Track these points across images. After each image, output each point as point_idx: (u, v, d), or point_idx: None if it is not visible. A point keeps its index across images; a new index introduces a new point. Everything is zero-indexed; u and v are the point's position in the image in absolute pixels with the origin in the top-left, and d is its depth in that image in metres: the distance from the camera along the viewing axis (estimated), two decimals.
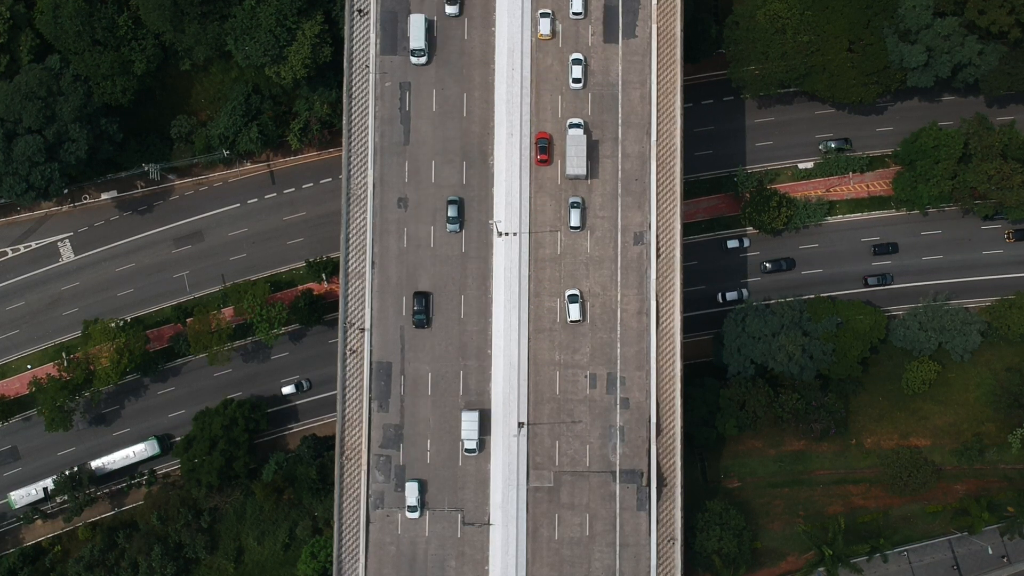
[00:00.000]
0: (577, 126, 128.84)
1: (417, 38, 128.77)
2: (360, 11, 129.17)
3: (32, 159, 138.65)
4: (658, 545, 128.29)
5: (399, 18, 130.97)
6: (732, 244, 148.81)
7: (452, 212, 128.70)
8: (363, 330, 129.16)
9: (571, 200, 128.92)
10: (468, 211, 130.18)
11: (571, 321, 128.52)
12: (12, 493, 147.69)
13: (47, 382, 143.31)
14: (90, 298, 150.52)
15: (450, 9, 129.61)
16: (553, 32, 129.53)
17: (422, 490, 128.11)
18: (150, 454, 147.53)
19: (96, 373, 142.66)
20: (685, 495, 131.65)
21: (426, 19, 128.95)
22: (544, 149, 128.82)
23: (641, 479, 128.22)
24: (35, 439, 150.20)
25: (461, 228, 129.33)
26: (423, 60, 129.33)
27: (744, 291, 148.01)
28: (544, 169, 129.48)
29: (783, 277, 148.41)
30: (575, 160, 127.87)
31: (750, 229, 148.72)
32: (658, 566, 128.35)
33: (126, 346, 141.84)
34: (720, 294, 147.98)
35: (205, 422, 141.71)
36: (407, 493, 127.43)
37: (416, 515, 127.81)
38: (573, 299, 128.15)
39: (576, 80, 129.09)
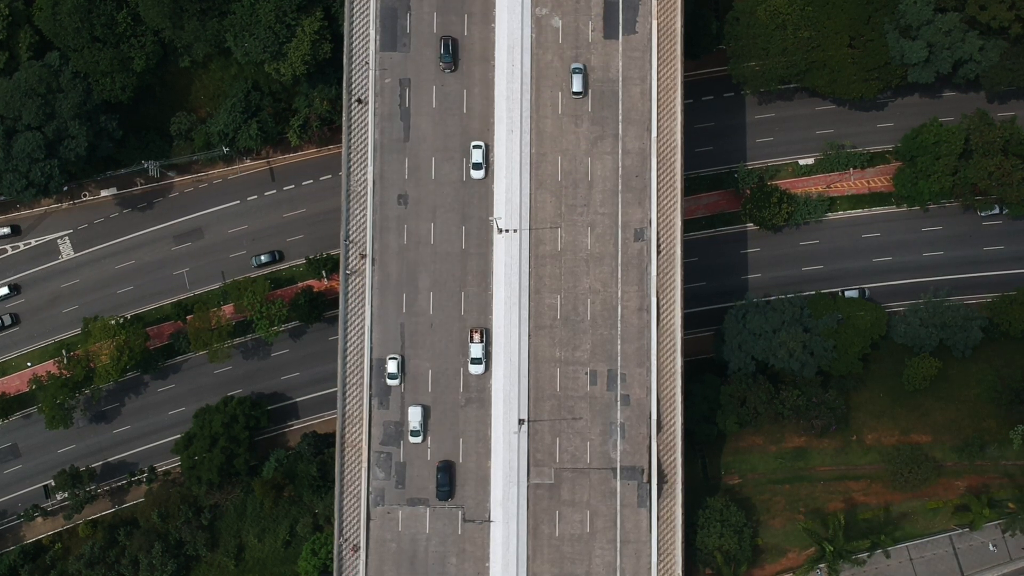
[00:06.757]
0: None
1: (415, 422, 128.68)
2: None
3: (32, 156, 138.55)
4: (659, 542, 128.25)
5: (398, 14, 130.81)
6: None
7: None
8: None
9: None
10: (469, 207, 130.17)
11: (573, 93, 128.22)
12: None
13: (47, 380, 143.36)
14: (90, 295, 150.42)
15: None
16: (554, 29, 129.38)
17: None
18: None
19: (96, 370, 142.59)
20: (686, 492, 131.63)
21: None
22: None
23: (642, 476, 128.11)
24: (35, 437, 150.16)
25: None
26: (419, 440, 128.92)
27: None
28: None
29: (783, 275, 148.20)
30: None
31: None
32: (659, 563, 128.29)
33: (126, 343, 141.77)
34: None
35: (205, 419, 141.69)
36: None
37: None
38: (577, 71, 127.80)
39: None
